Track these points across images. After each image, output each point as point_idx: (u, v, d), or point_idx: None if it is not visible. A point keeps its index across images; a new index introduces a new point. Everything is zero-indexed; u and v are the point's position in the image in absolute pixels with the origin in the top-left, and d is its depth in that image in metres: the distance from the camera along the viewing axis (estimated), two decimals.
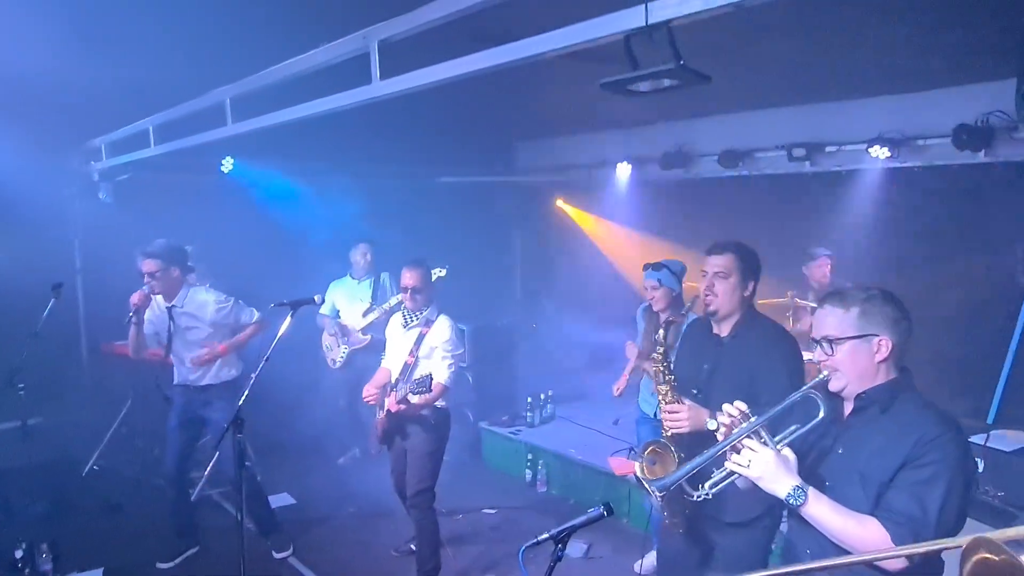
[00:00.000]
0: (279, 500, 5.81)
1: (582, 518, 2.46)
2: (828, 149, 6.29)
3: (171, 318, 4.71)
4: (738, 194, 7.01)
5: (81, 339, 7.02)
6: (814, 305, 6.00)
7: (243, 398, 3.82)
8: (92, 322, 6.94)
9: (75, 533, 5.13)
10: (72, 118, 5.63)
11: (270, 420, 6.01)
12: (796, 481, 2.03)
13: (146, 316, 4.76)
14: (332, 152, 7.12)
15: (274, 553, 4.97)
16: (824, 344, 2.13)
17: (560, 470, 6.21)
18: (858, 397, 2.13)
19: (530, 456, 6.41)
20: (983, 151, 5.30)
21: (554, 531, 2.35)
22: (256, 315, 4.89)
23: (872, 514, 1.98)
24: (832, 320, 2.13)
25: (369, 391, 4.48)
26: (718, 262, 3.09)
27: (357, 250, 6.55)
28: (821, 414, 2.11)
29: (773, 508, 2.91)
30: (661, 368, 3.10)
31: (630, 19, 1.91)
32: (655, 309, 4.44)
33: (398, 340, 4.56)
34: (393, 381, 4.43)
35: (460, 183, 8.26)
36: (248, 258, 6.40)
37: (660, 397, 3.09)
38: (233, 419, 3.70)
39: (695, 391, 3.10)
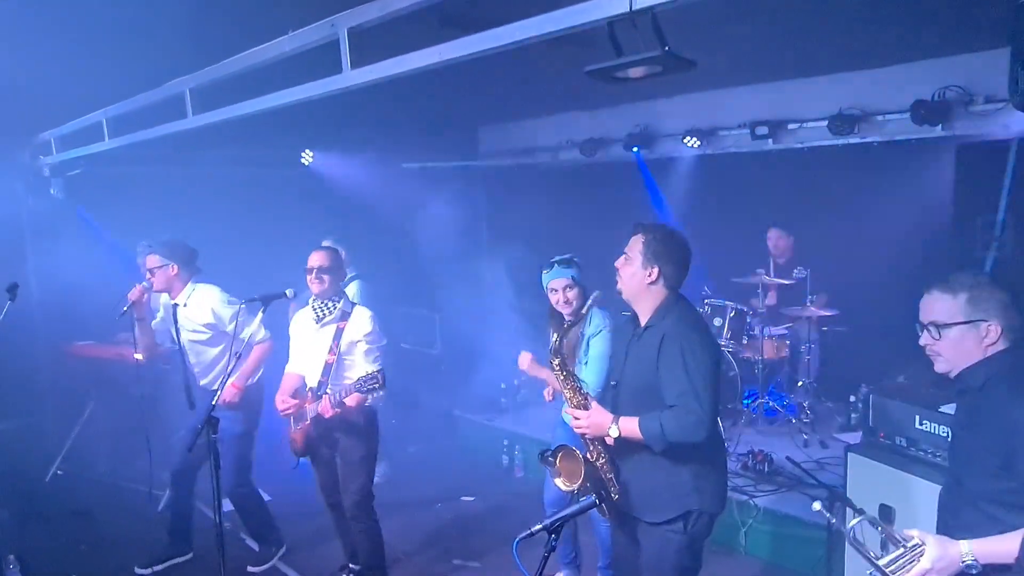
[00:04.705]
0: None
1: (574, 507, 2.45)
2: (790, 127, 6.37)
3: (174, 316, 4.55)
4: (703, 172, 7.08)
5: (36, 340, 6.76)
6: (783, 282, 6.11)
7: (216, 398, 3.73)
8: (48, 323, 6.68)
9: (44, 541, 4.96)
10: (19, 110, 5.36)
11: None
12: (967, 556, 2.04)
13: (159, 315, 4.67)
14: (291, 140, 6.95)
15: (249, 567, 4.73)
16: (931, 329, 2.17)
17: (537, 455, 6.19)
18: (956, 379, 2.18)
19: (506, 442, 6.41)
20: (940, 125, 5.42)
21: (547, 521, 2.33)
22: (263, 334, 4.48)
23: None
24: (940, 306, 2.17)
25: (284, 401, 4.08)
26: (628, 243, 2.93)
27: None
28: None
29: (691, 514, 2.84)
30: (561, 376, 3.04)
31: (614, 5, 1.88)
32: (566, 314, 3.73)
33: (309, 338, 4.14)
34: (314, 384, 4.05)
35: (424, 169, 8.17)
36: (210, 253, 6.15)
37: (565, 400, 3.05)
38: (206, 419, 3.56)
39: (613, 383, 3.07)
